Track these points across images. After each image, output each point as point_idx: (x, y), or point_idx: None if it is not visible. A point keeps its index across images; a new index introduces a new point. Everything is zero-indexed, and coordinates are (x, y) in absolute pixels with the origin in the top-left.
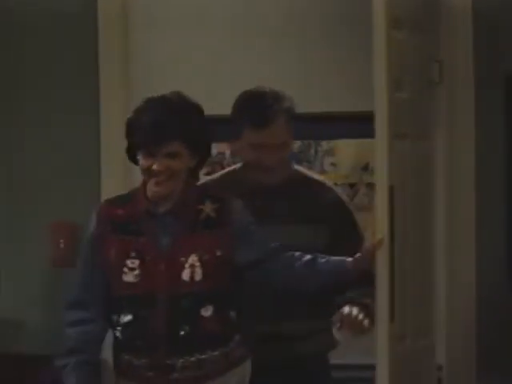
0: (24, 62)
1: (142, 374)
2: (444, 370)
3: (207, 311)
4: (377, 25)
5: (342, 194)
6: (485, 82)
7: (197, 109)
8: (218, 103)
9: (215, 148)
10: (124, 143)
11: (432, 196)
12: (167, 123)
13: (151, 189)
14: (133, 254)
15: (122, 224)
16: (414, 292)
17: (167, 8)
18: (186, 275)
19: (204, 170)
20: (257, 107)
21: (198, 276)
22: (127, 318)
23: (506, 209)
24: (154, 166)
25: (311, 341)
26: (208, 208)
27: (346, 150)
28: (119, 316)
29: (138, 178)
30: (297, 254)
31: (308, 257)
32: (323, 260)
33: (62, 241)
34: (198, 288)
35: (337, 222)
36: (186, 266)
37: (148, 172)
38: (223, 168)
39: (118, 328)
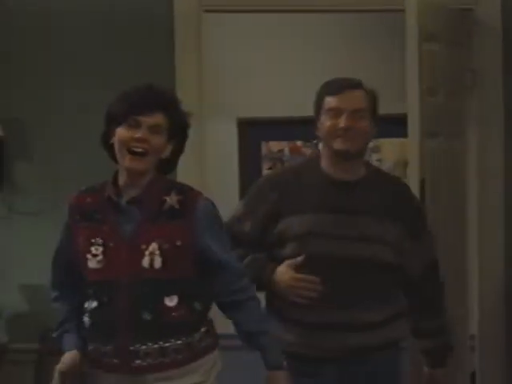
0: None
1: (107, 361)
2: (476, 339)
3: (172, 301)
4: (409, 38)
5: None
6: (508, 83)
7: (176, 96)
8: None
9: (277, 146)
10: (196, 149)
11: (464, 189)
12: (152, 96)
13: (127, 163)
14: (96, 241)
15: (89, 212)
16: (449, 270)
17: (241, 22)
18: (145, 262)
19: (266, 166)
20: (335, 80)
21: (158, 264)
22: (93, 304)
23: None
24: (138, 135)
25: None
26: (173, 199)
27: (389, 147)
28: (87, 303)
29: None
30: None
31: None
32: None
33: None
34: (158, 276)
35: (410, 219)
36: (146, 253)
37: (127, 146)
38: (283, 164)
39: (86, 314)
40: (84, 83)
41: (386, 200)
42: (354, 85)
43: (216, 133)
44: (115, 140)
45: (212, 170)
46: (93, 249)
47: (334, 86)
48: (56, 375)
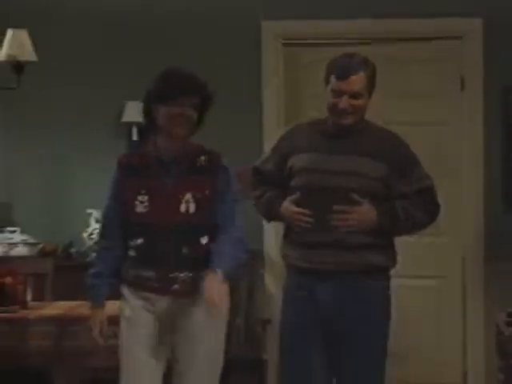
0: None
1: (149, 284)
2: None
3: (204, 240)
4: None
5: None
6: (490, 88)
7: (203, 80)
8: None
9: None
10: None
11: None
12: (187, 80)
13: (174, 131)
14: (142, 191)
15: (137, 169)
16: None
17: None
18: (182, 208)
19: None
20: (342, 62)
21: (192, 209)
22: (139, 240)
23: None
24: (178, 111)
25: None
26: (202, 159)
27: None
28: (132, 240)
29: None
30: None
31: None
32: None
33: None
34: (192, 219)
35: (399, 160)
36: (183, 201)
37: (172, 119)
38: None
39: (132, 249)
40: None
41: (375, 144)
42: (357, 69)
43: None
44: (158, 114)
45: None
46: (140, 197)
47: (340, 70)
48: (95, 326)
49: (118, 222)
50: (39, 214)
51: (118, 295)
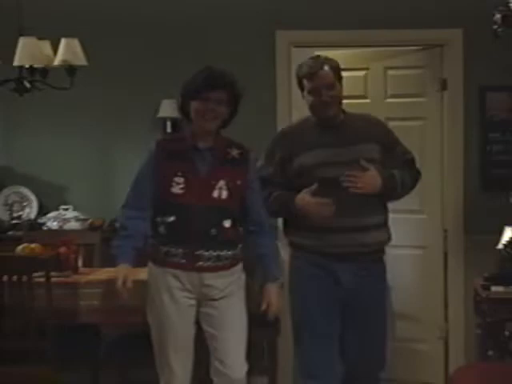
0: None
1: (176, 260)
2: None
3: (228, 223)
4: None
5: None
6: (468, 88)
7: (233, 77)
8: None
9: None
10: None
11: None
12: (217, 78)
13: (201, 125)
14: (179, 174)
15: (174, 153)
16: None
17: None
18: (215, 194)
19: None
20: (308, 64)
21: (224, 195)
22: (171, 218)
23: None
24: (208, 107)
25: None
26: (234, 152)
27: None
28: (164, 217)
29: None
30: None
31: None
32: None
33: None
34: (222, 204)
35: (384, 140)
36: (216, 187)
37: (201, 113)
38: None
39: (163, 225)
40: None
41: (362, 130)
42: (322, 64)
43: None
44: (192, 109)
45: None
46: (176, 179)
47: (308, 70)
48: (118, 278)
49: (149, 196)
50: (89, 194)
51: (142, 263)
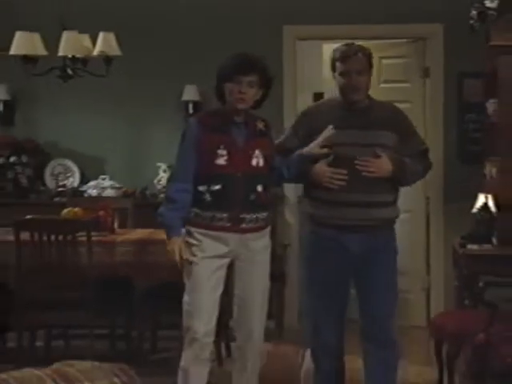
0: None
1: (222, 224)
2: None
3: (260, 187)
4: None
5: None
6: (448, 75)
7: (264, 62)
8: None
9: None
10: None
11: None
12: (249, 62)
13: (234, 105)
14: (222, 146)
15: (216, 127)
16: None
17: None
18: (254, 162)
19: None
20: (343, 49)
21: (261, 163)
22: (217, 187)
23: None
24: (241, 89)
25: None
26: (260, 124)
27: None
28: (209, 186)
29: None
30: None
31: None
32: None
33: None
34: (259, 171)
35: (402, 130)
36: (253, 156)
37: (235, 94)
38: None
39: (208, 194)
40: None
41: (383, 117)
42: (356, 51)
43: None
44: (226, 90)
45: None
46: (219, 151)
47: (342, 54)
48: (175, 252)
49: (193, 169)
50: (123, 166)
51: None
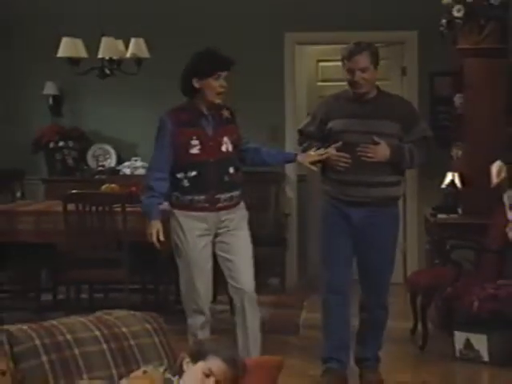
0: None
1: (200, 205)
2: None
3: (232, 169)
4: None
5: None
6: (422, 74)
7: (233, 58)
8: None
9: None
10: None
11: None
12: (225, 59)
13: (216, 98)
14: (194, 137)
15: (186, 121)
16: None
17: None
18: (224, 148)
19: None
20: (349, 48)
21: (230, 148)
22: (193, 173)
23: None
24: (221, 83)
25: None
26: (226, 112)
27: None
28: (186, 173)
29: None
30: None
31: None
32: (275, 151)
33: None
34: (229, 156)
35: (405, 120)
36: (223, 143)
37: (216, 89)
38: None
39: (185, 180)
40: None
41: (389, 108)
42: (360, 50)
43: None
44: (204, 85)
45: None
46: (192, 142)
47: (347, 54)
48: (152, 235)
49: (169, 160)
50: (152, 149)
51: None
